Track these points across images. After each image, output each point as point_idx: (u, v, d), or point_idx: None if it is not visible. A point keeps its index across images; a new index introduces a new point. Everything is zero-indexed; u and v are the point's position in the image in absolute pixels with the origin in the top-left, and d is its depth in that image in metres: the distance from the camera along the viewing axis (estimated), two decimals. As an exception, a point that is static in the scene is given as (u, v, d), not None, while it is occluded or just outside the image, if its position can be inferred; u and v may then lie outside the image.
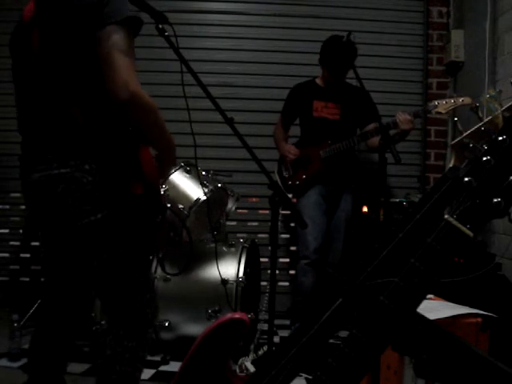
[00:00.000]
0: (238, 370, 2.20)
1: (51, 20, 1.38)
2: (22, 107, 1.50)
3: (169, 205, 1.77)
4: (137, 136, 1.49)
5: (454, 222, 0.73)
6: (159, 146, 1.51)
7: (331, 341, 0.90)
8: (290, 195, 2.95)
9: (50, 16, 1.38)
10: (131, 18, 1.34)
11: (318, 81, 3.04)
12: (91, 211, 1.39)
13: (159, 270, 2.55)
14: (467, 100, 2.57)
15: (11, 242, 3.54)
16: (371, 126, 2.89)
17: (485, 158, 0.72)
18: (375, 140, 2.74)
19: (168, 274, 2.50)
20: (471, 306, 1.53)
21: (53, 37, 1.37)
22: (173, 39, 1.49)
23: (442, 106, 2.63)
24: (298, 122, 3.15)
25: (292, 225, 3.55)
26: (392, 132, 2.73)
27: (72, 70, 1.38)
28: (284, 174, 3.04)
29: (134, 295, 1.49)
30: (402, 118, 2.70)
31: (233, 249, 2.65)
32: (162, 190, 1.66)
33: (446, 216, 0.73)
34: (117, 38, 1.30)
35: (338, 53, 2.79)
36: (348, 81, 3.02)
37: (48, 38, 1.38)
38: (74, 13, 1.34)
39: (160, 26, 1.48)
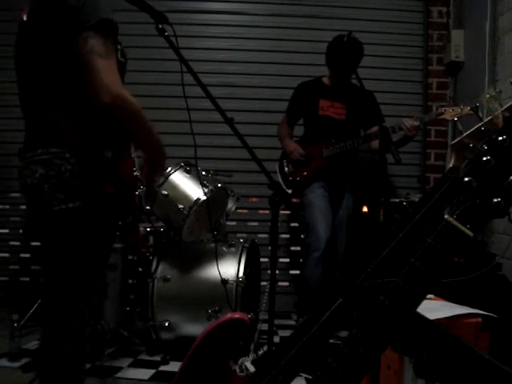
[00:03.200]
0: (238, 370, 2.19)
1: (38, 22, 1.39)
2: (21, 102, 1.52)
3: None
4: (122, 136, 1.50)
5: (454, 222, 0.73)
6: (146, 147, 1.50)
7: (331, 341, 0.90)
8: (290, 191, 2.96)
9: (37, 18, 1.40)
10: (105, 21, 1.33)
11: (324, 80, 3.04)
12: (64, 200, 1.40)
13: (159, 270, 2.55)
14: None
15: (11, 242, 3.54)
16: (375, 129, 2.89)
17: (485, 158, 0.72)
18: (377, 142, 2.74)
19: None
20: (471, 306, 1.53)
21: (38, 38, 1.39)
22: (173, 39, 1.49)
23: (449, 113, 2.63)
24: (301, 121, 3.16)
25: (292, 225, 3.55)
26: (397, 135, 2.73)
27: (53, 72, 1.39)
28: (285, 169, 3.05)
29: (79, 292, 1.44)
30: (409, 125, 2.70)
31: (233, 249, 2.65)
32: (137, 191, 1.66)
33: (445, 216, 0.73)
34: (93, 42, 1.31)
35: (341, 54, 2.79)
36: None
37: (34, 39, 1.40)
38: (57, 15, 1.35)
39: (160, 26, 1.48)
